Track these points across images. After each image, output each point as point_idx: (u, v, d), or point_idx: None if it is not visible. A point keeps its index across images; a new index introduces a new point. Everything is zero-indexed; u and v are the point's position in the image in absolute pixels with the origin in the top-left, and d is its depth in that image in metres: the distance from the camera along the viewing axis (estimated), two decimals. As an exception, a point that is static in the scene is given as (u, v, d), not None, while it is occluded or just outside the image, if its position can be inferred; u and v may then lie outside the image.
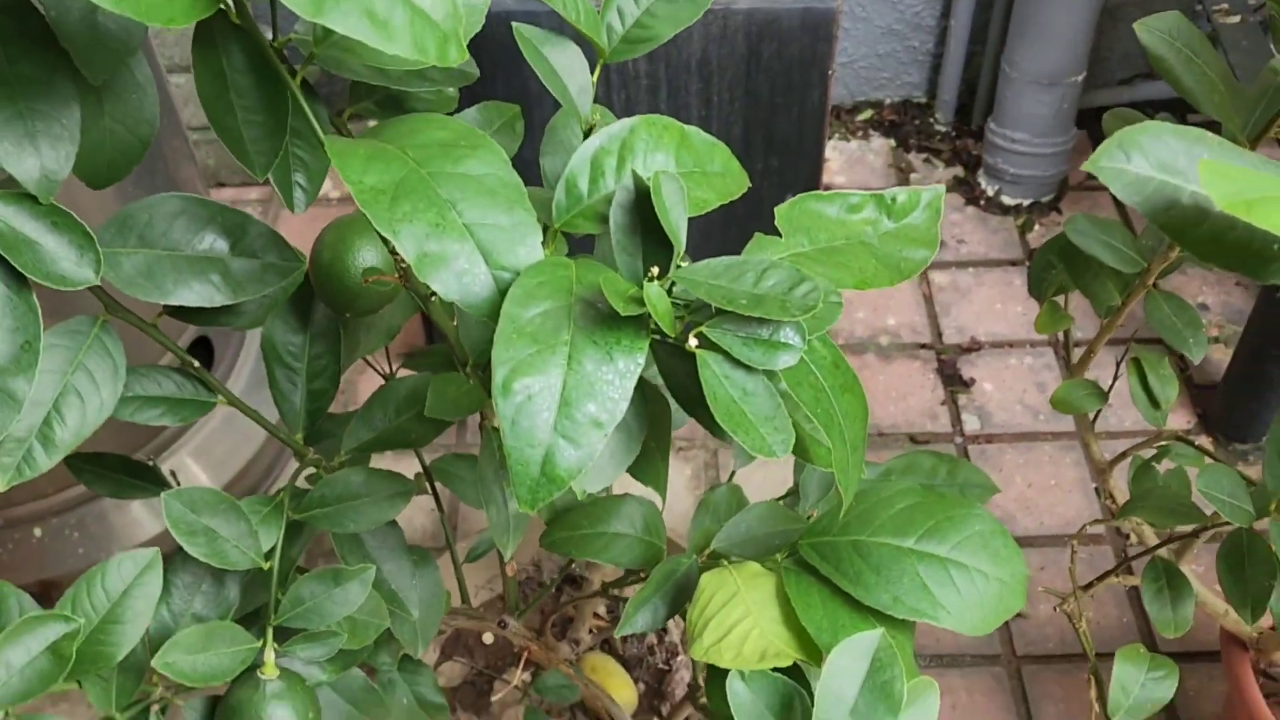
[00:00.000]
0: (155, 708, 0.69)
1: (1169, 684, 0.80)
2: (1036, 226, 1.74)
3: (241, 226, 0.61)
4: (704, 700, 0.85)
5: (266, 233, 0.61)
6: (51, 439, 0.58)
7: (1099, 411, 0.94)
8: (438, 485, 0.85)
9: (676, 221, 0.50)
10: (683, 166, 0.56)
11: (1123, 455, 0.93)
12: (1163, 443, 0.90)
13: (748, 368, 0.49)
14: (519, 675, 0.89)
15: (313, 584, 0.69)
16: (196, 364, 0.68)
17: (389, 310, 0.83)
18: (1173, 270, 0.85)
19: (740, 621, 0.63)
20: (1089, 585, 0.88)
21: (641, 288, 0.48)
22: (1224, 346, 1.57)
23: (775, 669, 0.60)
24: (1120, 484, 1.00)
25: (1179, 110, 1.80)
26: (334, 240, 0.69)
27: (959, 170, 1.82)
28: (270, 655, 0.68)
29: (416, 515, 1.39)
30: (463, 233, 0.50)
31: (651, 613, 0.68)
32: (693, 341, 0.49)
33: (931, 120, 1.89)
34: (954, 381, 1.54)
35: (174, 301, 0.59)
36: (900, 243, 0.56)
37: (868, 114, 1.91)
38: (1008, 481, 1.43)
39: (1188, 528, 0.80)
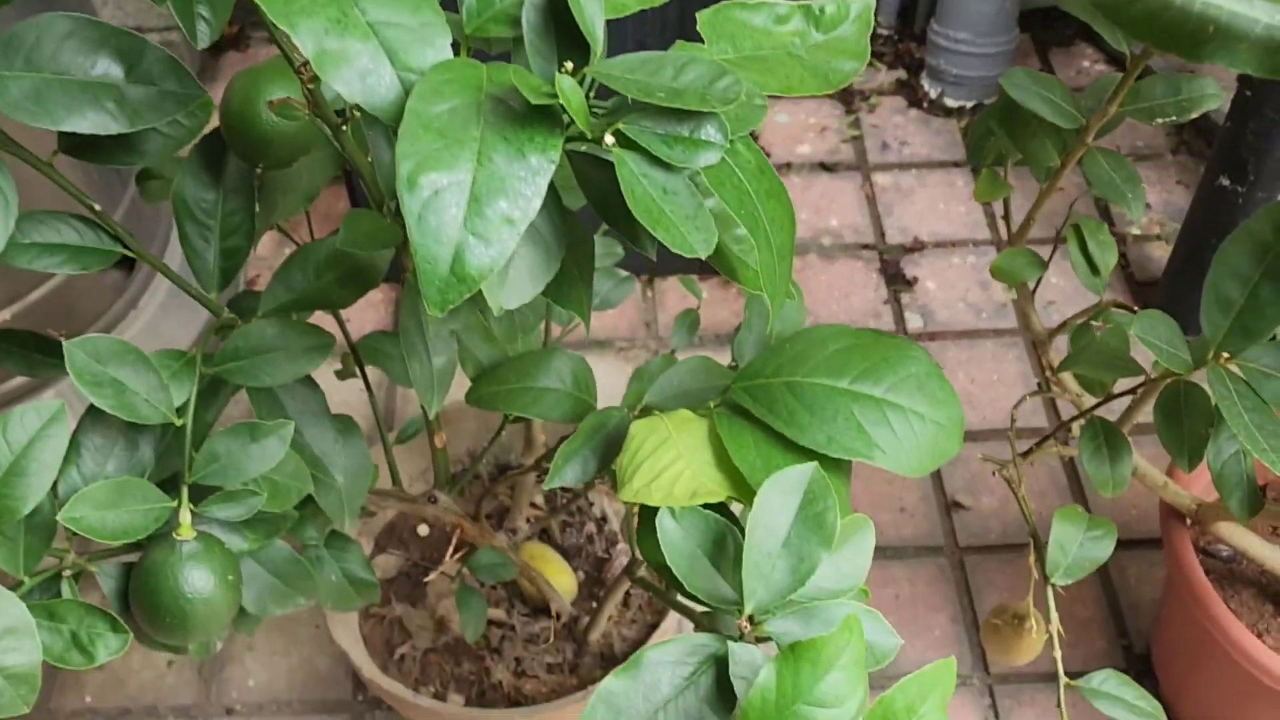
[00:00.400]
0: (67, 573, 0.66)
1: (1107, 543, 0.80)
2: (980, 129, 1.72)
3: (137, 51, 0.57)
4: (640, 573, 0.84)
5: (164, 58, 0.58)
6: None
7: (1038, 283, 0.93)
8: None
9: (592, 18, 0.47)
10: (601, -32, 0.53)
11: (1062, 325, 0.92)
12: (1101, 311, 0.89)
13: (668, 167, 0.47)
14: (450, 555, 0.87)
15: (227, 440, 0.66)
16: (98, 207, 0.64)
17: (307, 171, 0.80)
18: (1112, 128, 0.83)
19: (672, 464, 0.62)
20: (1028, 452, 0.87)
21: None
22: (1164, 244, 1.57)
23: (706, 506, 0.58)
24: (1059, 355, 0.99)
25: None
26: (243, 86, 0.66)
27: (901, 73, 1.80)
28: (186, 516, 0.65)
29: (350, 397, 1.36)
30: (366, 31, 0.47)
31: (581, 465, 0.66)
32: (609, 139, 0.46)
33: (874, 23, 1.87)
34: (897, 281, 1.52)
35: (66, 128, 0.56)
36: (829, 54, 0.54)
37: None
38: (950, 377, 1.42)
39: (1128, 386, 0.79)
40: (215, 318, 0.72)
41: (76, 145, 0.61)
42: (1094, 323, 0.85)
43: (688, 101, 0.45)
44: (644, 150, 0.46)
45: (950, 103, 1.73)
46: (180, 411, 0.65)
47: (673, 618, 0.95)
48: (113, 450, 0.68)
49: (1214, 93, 0.81)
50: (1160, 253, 1.56)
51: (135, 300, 1.28)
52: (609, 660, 0.98)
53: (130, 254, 0.67)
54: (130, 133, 0.59)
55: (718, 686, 0.54)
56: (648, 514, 0.63)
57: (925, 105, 1.74)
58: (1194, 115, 0.81)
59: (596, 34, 0.48)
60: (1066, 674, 0.77)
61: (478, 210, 0.44)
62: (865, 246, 1.56)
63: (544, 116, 0.46)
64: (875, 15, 1.85)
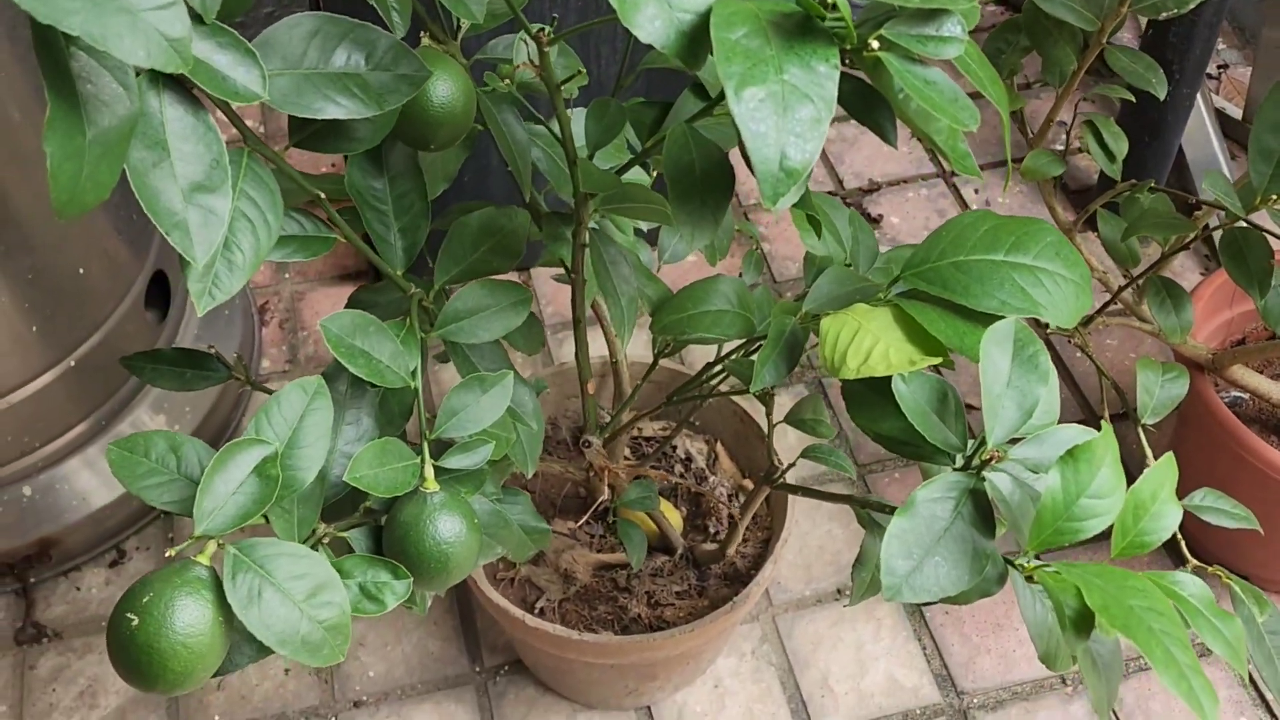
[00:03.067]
0: (325, 541, 0.71)
1: (1182, 382, 0.92)
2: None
3: (373, 41, 0.63)
4: (779, 479, 0.92)
5: (396, 45, 0.64)
6: (233, 262, 0.60)
7: (1059, 177, 1.05)
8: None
9: (831, -52, 0.56)
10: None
11: (1087, 211, 1.04)
12: (1124, 192, 1.01)
13: (922, 63, 0.55)
14: (604, 498, 0.94)
15: (461, 394, 0.72)
16: (322, 195, 0.69)
17: (445, 155, 0.86)
18: (1119, 27, 0.95)
19: (875, 345, 0.70)
20: (1089, 320, 0.99)
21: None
22: (1089, 155, 1.72)
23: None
24: (1081, 244, 1.11)
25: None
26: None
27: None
28: (430, 470, 0.71)
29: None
30: (645, -19, 0.54)
31: (774, 369, 0.74)
32: (874, 44, 0.55)
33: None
34: (864, 219, 1.64)
35: (324, 116, 0.61)
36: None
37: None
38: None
39: (1178, 244, 0.91)
40: (404, 293, 0.77)
41: (306, 138, 0.66)
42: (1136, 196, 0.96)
43: (938, 1, 0.54)
44: (902, 50, 0.55)
45: (870, 54, 1.86)
46: (413, 375, 0.71)
47: (786, 530, 1.03)
48: (343, 423, 0.73)
49: (1202, -15, 0.94)
50: (1086, 162, 1.72)
51: (170, 340, 1.30)
52: (732, 579, 1.06)
53: (343, 239, 0.72)
54: (347, 120, 0.65)
55: (977, 512, 0.63)
56: (856, 395, 0.72)
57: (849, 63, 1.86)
58: (1191, 6, 0.93)
59: (834, -39, 0.56)
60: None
61: (790, 115, 0.52)
62: (829, 193, 1.67)
63: (817, 33, 0.54)
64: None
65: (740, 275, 1.02)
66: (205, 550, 0.61)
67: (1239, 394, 1.21)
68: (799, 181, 0.52)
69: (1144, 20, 1.48)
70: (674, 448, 1.14)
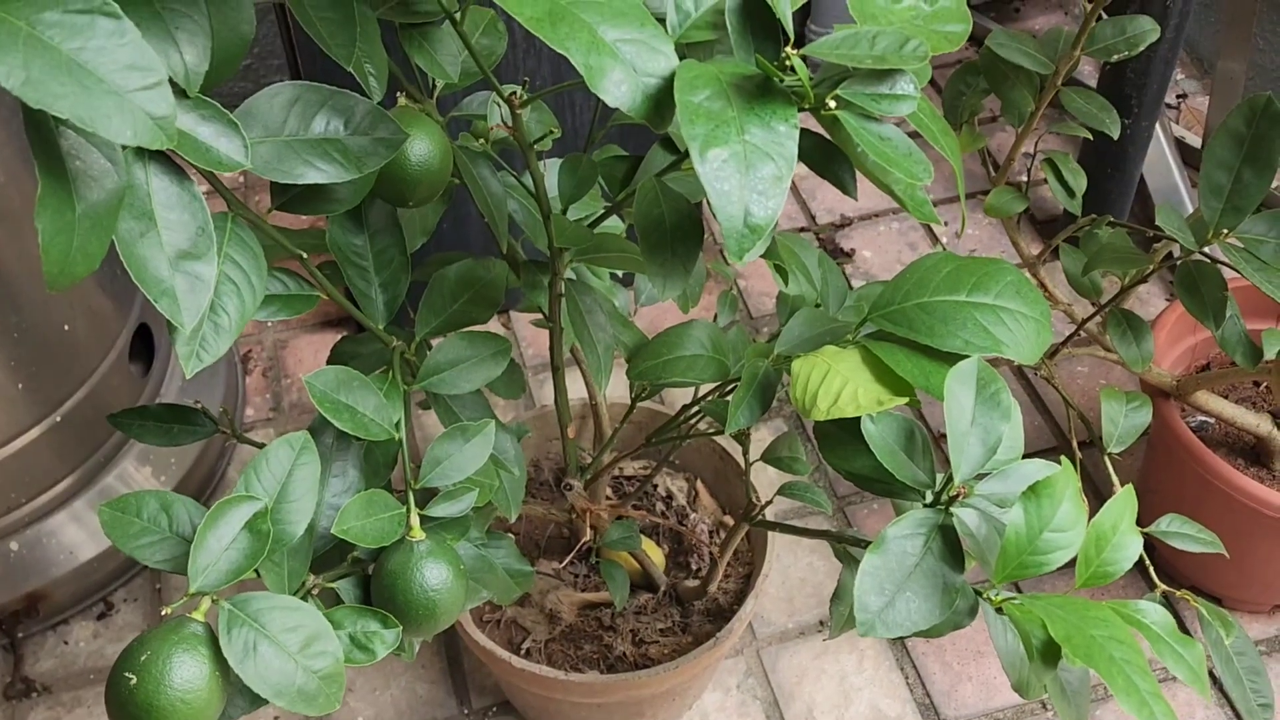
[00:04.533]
0: (314, 592, 0.73)
1: (1145, 411, 0.94)
2: (868, 112, 1.89)
3: (351, 107, 0.65)
4: (757, 515, 0.94)
5: (373, 110, 0.66)
6: (219, 325, 0.62)
7: (1021, 214, 1.08)
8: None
9: (786, 12, 0.58)
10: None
11: (1049, 246, 1.07)
12: (1084, 227, 1.04)
13: (877, 120, 0.58)
14: (585, 539, 0.96)
15: (445, 444, 0.74)
16: (305, 255, 0.71)
17: (424, 210, 0.88)
18: (1074, 70, 0.98)
19: (844, 386, 0.72)
20: (1054, 352, 1.02)
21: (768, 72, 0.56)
22: (1055, 185, 1.76)
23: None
24: (1047, 277, 1.14)
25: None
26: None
27: (788, 74, 1.95)
28: (415, 519, 0.73)
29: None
30: (611, 50, 0.57)
31: (748, 411, 0.76)
32: (831, 104, 0.57)
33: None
34: (837, 254, 1.67)
35: (306, 181, 0.63)
36: (940, 21, 0.66)
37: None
38: (906, 331, 1.57)
39: (1135, 278, 0.94)
40: (386, 346, 0.79)
41: (288, 201, 0.69)
42: (1095, 231, 0.99)
43: (890, 62, 0.56)
44: (857, 108, 0.58)
45: (838, 92, 1.89)
46: (397, 426, 0.73)
47: (769, 565, 1.05)
48: (329, 475, 0.75)
49: (1151, 29, 0.97)
50: (1050, 194, 1.75)
51: (155, 393, 1.32)
52: (715, 615, 1.08)
53: (326, 296, 0.74)
54: (328, 183, 0.67)
55: (947, 548, 0.65)
56: (828, 435, 0.74)
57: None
58: (1140, 49, 0.96)
59: (790, 25, 0.59)
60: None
61: (753, 173, 0.54)
62: (801, 229, 1.70)
63: (776, 93, 0.56)
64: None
65: (715, 315, 1.05)
66: (200, 607, 0.63)
67: (1205, 419, 1.24)
68: (763, 236, 0.55)
69: (1102, 55, 1.52)
70: (655, 486, 1.16)
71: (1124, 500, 0.64)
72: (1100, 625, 0.57)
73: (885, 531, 0.64)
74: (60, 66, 0.47)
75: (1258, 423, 1.16)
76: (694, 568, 1.12)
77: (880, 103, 0.58)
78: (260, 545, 0.64)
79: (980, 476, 0.67)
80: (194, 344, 0.61)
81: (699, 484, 1.17)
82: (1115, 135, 0.97)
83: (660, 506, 1.15)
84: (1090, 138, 1.04)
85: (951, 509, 0.65)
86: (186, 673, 0.60)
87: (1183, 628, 1.24)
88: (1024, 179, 1.07)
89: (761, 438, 1.38)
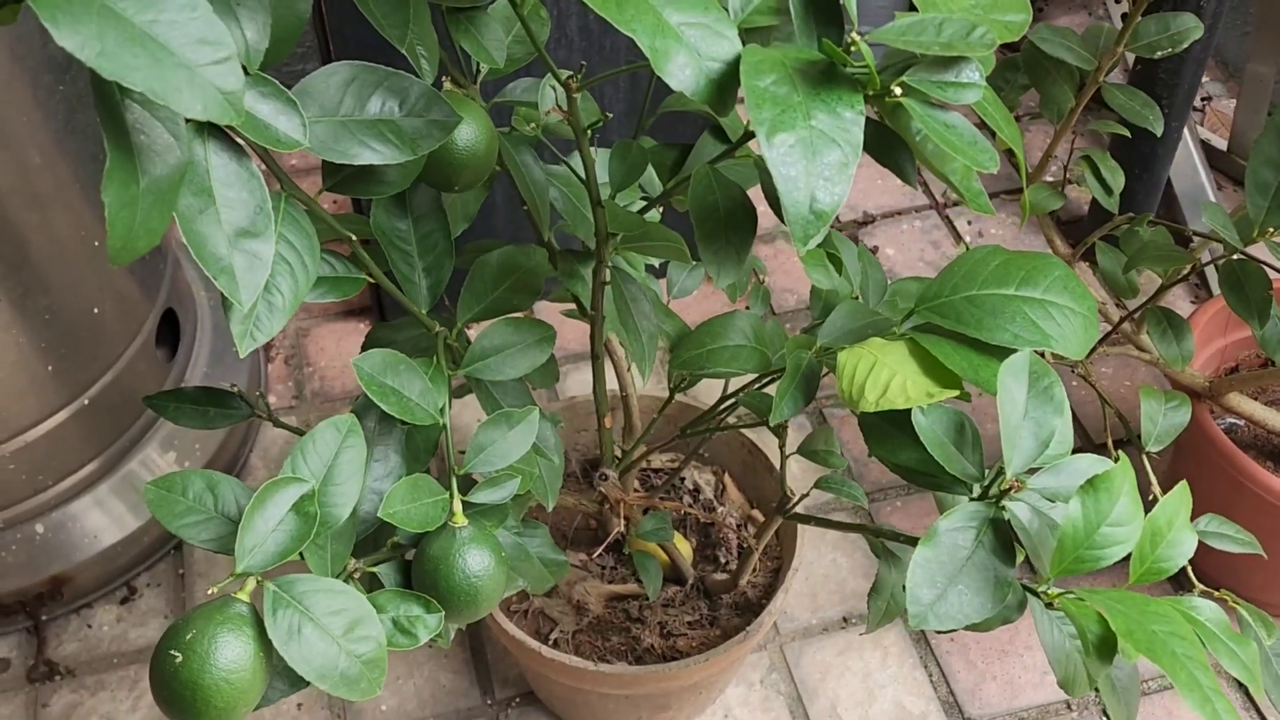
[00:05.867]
0: (356, 575, 0.72)
1: (1185, 410, 0.94)
2: (892, 109, 1.89)
3: (406, 89, 0.65)
4: (792, 509, 0.94)
5: (428, 92, 0.65)
6: (273, 304, 0.61)
7: (1059, 210, 1.07)
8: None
9: (851, -1, 0.58)
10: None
11: (1084, 243, 1.07)
12: (1123, 225, 1.04)
13: (942, 107, 0.58)
14: (619, 530, 0.95)
15: (489, 430, 0.73)
16: (353, 236, 0.71)
17: (465, 196, 0.88)
18: (1116, 66, 0.98)
19: (891, 378, 0.72)
20: (1090, 351, 1.01)
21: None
22: (1078, 186, 1.75)
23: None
24: (1080, 275, 1.13)
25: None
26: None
27: (811, 70, 1.95)
28: (458, 505, 0.72)
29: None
30: (676, 33, 0.56)
31: (792, 402, 0.76)
32: (897, 90, 0.57)
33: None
34: (861, 252, 1.66)
35: (360, 161, 0.63)
36: (1000, 10, 0.66)
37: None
38: (930, 329, 1.57)
39: (1175, 277, 0.94)
40: (429, 331, 0.79)
41: (339, 182, 0.68)
42: (1137, 230, 0.99)
43: (957, 49, 0.56)
44: (922, 95, 0.57)
45: (862, 89, 1.89)
46: (441, 412, 0.73)
47: (797, 559, 1.05)
48: (371, 460, 0.75)
49: (1195, 25, 0.97)
50: (1077, 194, 1.74)
51: (180, 378, 1.31)
52: (742, 609, 1.08)
53: (371, 280, 0.74)
54: (379, 165, 0.67)
55: (998, 541, 0.64)
56: (874, 427, 0.74)
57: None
58: (1184, 46, 0.96)
59: (854, 11, 0.58)
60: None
61: (818, 159, 0.54)
62: (826, 226, 1.69)
63: (841, 79, 0.56)
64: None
65: (747, 309, 1.05)
66: (245, 587, 0.62)
67: (1234, 420, 1.24)
68: (829, 222, 0.54)
69: (1132, 57, 1.52)
70: (683, 479, 1.16)
71: (1179, 496, 0.64)
72: (1161, 620, 0.56)
73: (937, 524, 0.63)
74: (134, 39, 0.46)
75: (1289, 425, 1.16)
76: (722, 561, 1.12)
77: (946, 90, 0.57)
78: (307, 527, 0.64)
79: (1032, 471, 0.66)
80: (249, 323, 0.60)
81: (727, 478, 1.16)
82: (1159, 132, 0.96)
83: (687, 499, 1.15)
84: (1129, 135, 1.03)
85: (1003, 502, 0.64)
86: (232, 653, 0.60)
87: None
88: (1060, 177, 1.06)
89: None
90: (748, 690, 1.20)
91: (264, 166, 0.63)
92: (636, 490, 1.16)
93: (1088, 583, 1.23)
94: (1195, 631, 0.62)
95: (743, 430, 1.13)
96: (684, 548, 1.10)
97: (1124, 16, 0.93)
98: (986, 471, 0.69)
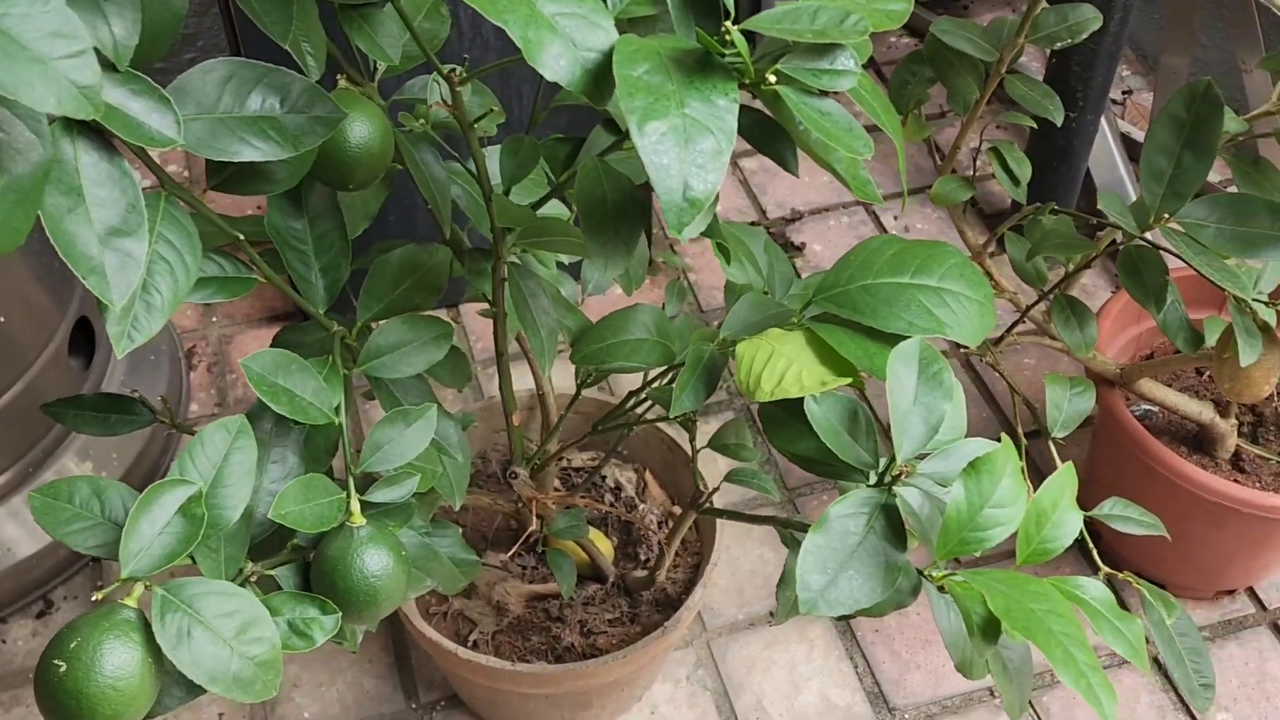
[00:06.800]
0: (253, 579, 0.72)
1: (1089, 396, 0.95)
2: (818, 107, 1.90)
3: (287, 85, 0.64)
4: (704, 504, 0.94)
5: (310, 88, 0.65)
6: (151, 304, 0.60)
7: (974, 202, 1.08)
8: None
9: (727, -13, 0.58)
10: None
11: (994, 235, 1.08)
12: (1028, 215, 1.05)
13: (817, 95, 0.58)
14: (531, 530, 0.95)
15: (386, 428, 0.73)
16: (241, 236, 0.70)
17: (365, 194, 0.87)
18: (1018, 58, 0.99)
19: (788, 368, 0.72)
20: (999, 339, 1.02)
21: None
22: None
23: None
24: (994, 267, 1.14)
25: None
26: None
27: (738, 69, 1.95)
28: (356, 504, 0.72)
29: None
30: (550, 24, 0.56)
31: (693, 395, 0.76)
32: (771, 78, 0.57)
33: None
34: (788, 248, 1.67)
35: (241, 159, 0.62)
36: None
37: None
38: (856, 324, 1.58)
39: (1077, 264, 0.95)
40: (328, 331, 0.78)
41: (223, 181, 0.67)
42: (1039, 218, 1.00)
43: (831, 36, 0.56)
44: (797, 83, 0.57)
45: (788, 87, 1.90)
46: (337, 411, 0.72)
47: (718, 554, 1.05)
48: (268, 461, 0.74)
49: (1094, 16, 0.98)
50: (1000, 187, 1.76)
51: (96, 387, 1.29)
52: (664, 605, 1.07)
53: (264, 279, 0.73)
54: (265, 163, 0.66)
55: (889, 526, 0.65)
56: (772, 418, 0.74)
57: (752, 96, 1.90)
58: (1083, 36, 0.97)
59: (729, 1, 0.59)
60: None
61: (692, 147, 0.54)
62: (752, 224, 1.70)
63: (716, 68, 0.56)
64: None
65: (664, 305, 1.05)
66: (133, 593, 0.61)
67: (1149, 407, 1.25)
68: (703, 211, 0.54)
69: (1049, 49, 1.54)
70: (603, 477, 1.16)
71: (1064, 477, 0.65)
72: (1040, 600, 0.57)
73: (828, 511, 0.64)
74: (-20, 32, 0.46)
75: (1200, 410, 1.18)
76: (643, 558, 1.12)
77: (821, 77, 0.57)
78: (194, 530, 0.63)
79: (923, 456, 0.67)
80: (125, 324, 0.60)
81: (648, 474, 1.16)
82: (1059, 122, 0.97)
83: (609, 497, 1.15)
84: (1035, 126, 1.05)
85: (894, 488, 0.65)
86: (117, 659, 0.59)
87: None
88: (971, 170, 1.08)
89: (711, 429, 1.38)
90: (674, 687, 1.20)
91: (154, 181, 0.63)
92: (557, 489, 1.15)
93: (990, 566, 1.25)
94: (1082, 610, 0.63)
95: (662, 427, 1.13)
96: (604, 545, 1.10)
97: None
98: (883, 459, 0.69)
